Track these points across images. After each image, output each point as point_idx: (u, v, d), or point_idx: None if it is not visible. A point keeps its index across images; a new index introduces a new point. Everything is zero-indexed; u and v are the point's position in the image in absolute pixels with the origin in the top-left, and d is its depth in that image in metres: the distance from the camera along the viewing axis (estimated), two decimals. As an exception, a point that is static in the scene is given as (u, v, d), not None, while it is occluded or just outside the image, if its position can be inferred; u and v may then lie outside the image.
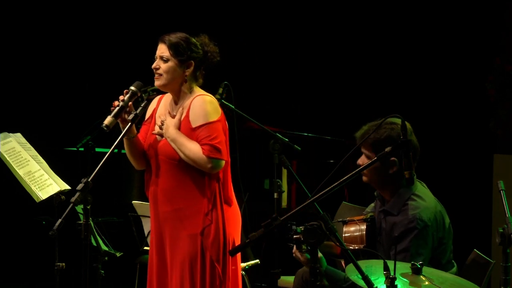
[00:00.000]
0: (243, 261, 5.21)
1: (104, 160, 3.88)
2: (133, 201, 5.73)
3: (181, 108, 4.24)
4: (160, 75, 4.21)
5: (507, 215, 3.54)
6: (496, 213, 6.73)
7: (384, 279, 3.34)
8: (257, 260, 5.57)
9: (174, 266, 4.22)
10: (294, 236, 4.06)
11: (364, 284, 3.27)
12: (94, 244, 4.93)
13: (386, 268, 3.34)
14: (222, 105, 4.65)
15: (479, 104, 7.37)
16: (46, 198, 4.83)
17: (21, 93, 8.32)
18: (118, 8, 8.46)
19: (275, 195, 4.59)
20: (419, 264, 3.48)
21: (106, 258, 4.67)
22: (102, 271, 4.40)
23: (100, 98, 7.90)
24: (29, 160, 4.96)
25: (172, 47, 4.20)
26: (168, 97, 4.36)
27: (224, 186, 4.26)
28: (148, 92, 4.18)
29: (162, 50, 4.22)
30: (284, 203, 6.53)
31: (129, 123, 4.09)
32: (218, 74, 4.47)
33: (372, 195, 4.41)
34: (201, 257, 4.17)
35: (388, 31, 7.88)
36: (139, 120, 4.22)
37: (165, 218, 4.24)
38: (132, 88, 4.15)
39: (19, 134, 5.15)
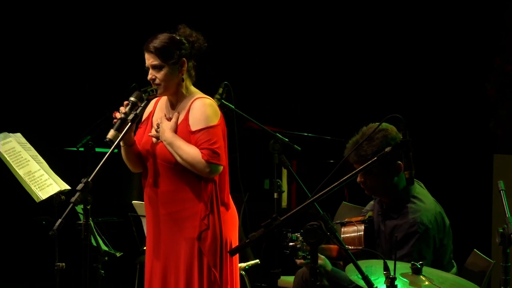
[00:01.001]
0: (243, 261, 5.22)
1: (104, 160, 3.86)
2: (133, 201, 5.73)
3: (177, 112, 4.19)
4: (159, 84, 4.14)
5: (507, 215, 3.54)
6: (496, 213, 6.73)
7: (384, 279, 3.34)
8: (257, 260, 5.57)
9: (169, 270, 4.17)
10: (290, 244, 4.07)
11: (364, 284, 3.27)
12: (94, 244, 4.93)
13: (386, 268, 3.34)
14: (222, 105, 4.65)
15: (479, 104, 7.37)
16: (46, 198, 4.83)
17: (21, 93, 8.32)
18: (118, 8, 8.46)
19: (275, 195, 4.58)
20: (419, 264, 3.48)
21: (106, 258, 4.67)
22: (102, 271, 4.40)
23: (100, 98, 7.96)
24: (29, 160, 4.95)
25: (159, 53, 4.10)
26: (163, 100, 4.30)
27: (221, 190, 4.20)
28: (148, 92, 4.14)
29: (151, 59, 4.12)
30: (284, 203, 6.53)
31: (129, 123, 4.03)
32: (218, 74, 4.46)
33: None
34: (198, 262, 4.12)
35: (388, 31, 7.88)
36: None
37: (161, 221, 4.19)
38: (132, 99, 4.07)
39: (19, 134, 5.14)
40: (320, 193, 3.24)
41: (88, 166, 4.92)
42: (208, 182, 4.14)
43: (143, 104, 4.10)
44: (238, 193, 4.44)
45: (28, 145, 5.10)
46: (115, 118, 4.05)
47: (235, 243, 4.25)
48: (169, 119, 4.22)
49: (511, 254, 3.53)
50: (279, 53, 8.43)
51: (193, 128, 4.13)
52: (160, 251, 4.21)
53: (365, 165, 3.38)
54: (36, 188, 4.83)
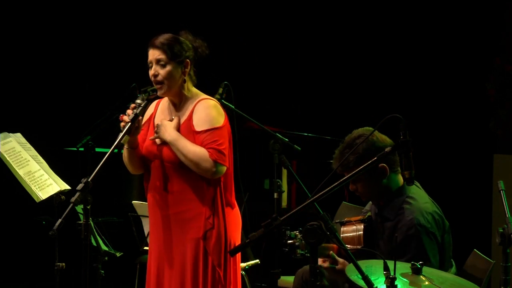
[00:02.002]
0: (243, 261, 5.22)
1: (104, 160, 3.85)
2: (133, 201, 5.73)
3: (181, 112, 4.17)
4: (161, 83, 4.10)
5: (507, 215, 3.54)
6: (496, 213, 6.73)
7: (384, 279, 3.34)
8: (257, 260, 5.57)
9: (174, 270, 4.15)
10: (288, 241, 4.07)
11: (364, 284, 3.27)
12: (94, 244, 4.93)
13: (386, 268, 3.34)
14: (222, 105, 4.65)
15: (479, 104, 7.38)
16: (46, 198, 4.83)
17: (21, 93, 8.32)
18: (117, 8, 8.46)
19: (275, 195, 4.59)
20: (419, 264, 3.48)
21: (106, 258, 4.67)
22: (102, 271, 4.40)
23: (100, 98, 7.96)
24: (29, 160, 4.95)
25: (167, 50, 4.08)
26: (165, 102, 4.27)
27: (226, 189, 4.19)
28: (148, 92, 4.12)
29: (157, 54, 4.09)
30: (284, 203, 6.53)
31: (129, 123, 4.01)
32: (218, 74, 4.46)
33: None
34: (203, 262, 4.11)
35: (388, 31, 7.88)
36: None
37: (164, 222, 4.17)
38: (138, 101, 4.06)
39: (19, 134, 5.14)
40: (320, 193, 3.24)
41: (88, 166, 4.91)
42: (212, 182, 4.12)
43: (143, 104, 4.08)
44: (238, 193, 4.43)
45: (28, 145, 5.10)
46: (122, 121, 4.03)
47: (238, 243, 4.23)
48: (171, 120, 4.19)
49: (511, 254, 3.53)
50: (279, 53, 8.43)
51: (198, 128, 4.10)
52: (163, 252, 4.19)
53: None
54: (36, 188, 4.83)
